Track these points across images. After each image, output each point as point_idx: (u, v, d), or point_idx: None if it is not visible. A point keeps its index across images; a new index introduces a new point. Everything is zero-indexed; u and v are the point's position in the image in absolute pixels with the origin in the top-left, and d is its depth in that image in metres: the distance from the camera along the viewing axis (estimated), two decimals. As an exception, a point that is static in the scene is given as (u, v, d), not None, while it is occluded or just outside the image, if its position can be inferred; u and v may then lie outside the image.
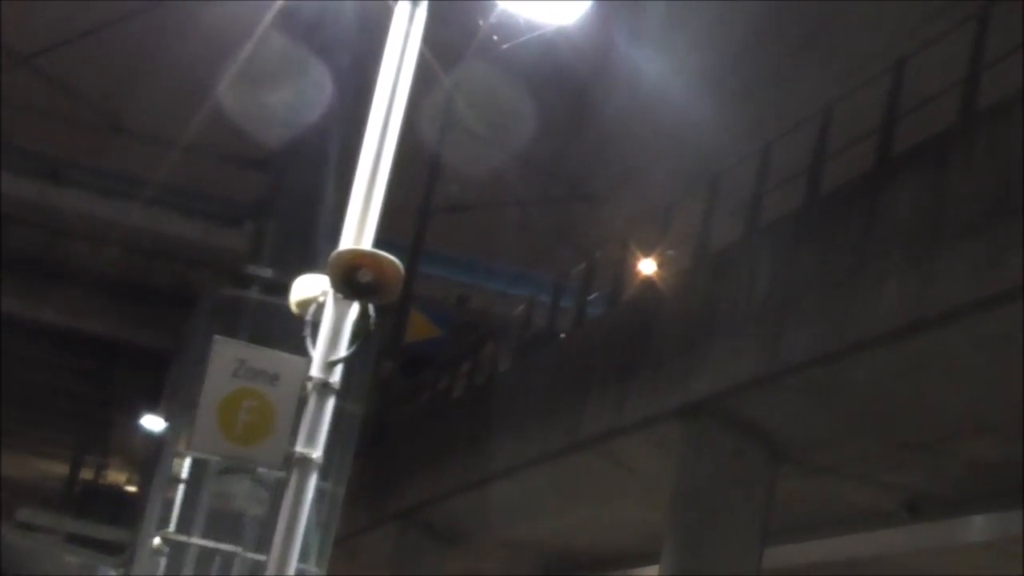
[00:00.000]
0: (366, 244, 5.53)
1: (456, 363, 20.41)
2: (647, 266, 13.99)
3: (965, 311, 7.96)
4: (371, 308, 5.44)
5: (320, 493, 9.30)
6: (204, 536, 12.22)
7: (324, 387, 5.36)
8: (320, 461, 5.36)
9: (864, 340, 9.10)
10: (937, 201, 8.70)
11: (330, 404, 5.39)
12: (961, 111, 8.85)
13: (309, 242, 12.92)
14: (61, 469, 36.95)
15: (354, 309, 5.42)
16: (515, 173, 21.03)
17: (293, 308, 5.63)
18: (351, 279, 5.30)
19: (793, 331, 10.03)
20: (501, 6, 7.13)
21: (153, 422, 22.39)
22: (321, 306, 5.46)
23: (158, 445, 17.82)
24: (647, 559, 14.43)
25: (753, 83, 17.52)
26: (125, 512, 24.79)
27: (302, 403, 5.34)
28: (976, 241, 7.98)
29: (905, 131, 9.70)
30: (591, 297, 15.84)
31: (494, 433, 15.61)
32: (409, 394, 22.74)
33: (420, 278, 24.13)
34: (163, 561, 12.88)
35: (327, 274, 5.40)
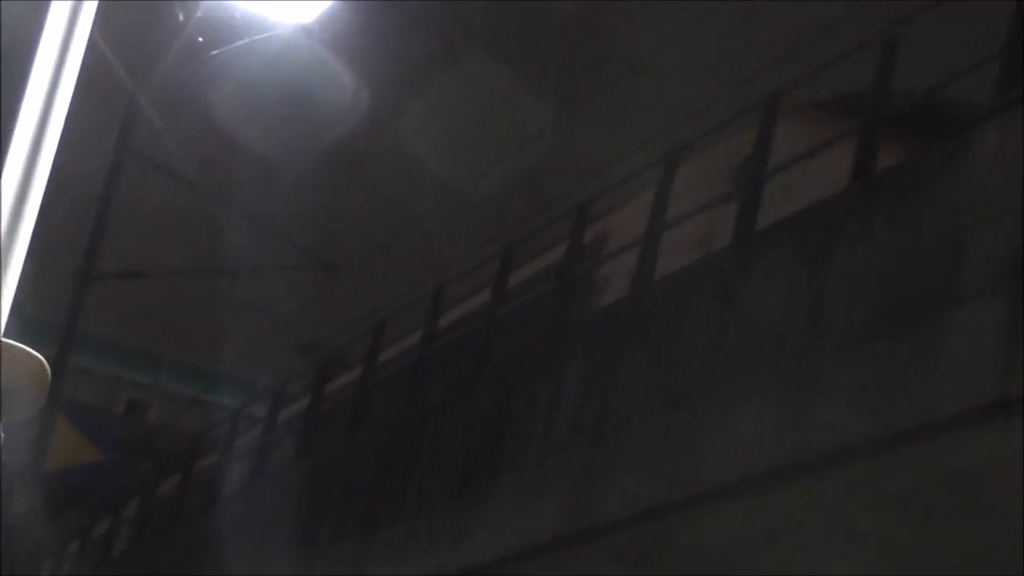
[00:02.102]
0: (-8, 327, 5.22)
1: (121, 502, 20.71)
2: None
3: (854, 454, 8.77)
4: (-5, 422, 5.15)
5: None
6: None
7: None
8: None
9: (712, 490, 9.77)
10: (819, 293, 9.55)
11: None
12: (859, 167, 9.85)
13: None
14: None
15: (-34, 424, 5.10)
16: (229, 231, 21.22)
17: None
18: (-36, 379, 4.97)
19: (615, 470, 10.77)
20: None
21: None
22: (-88, 418, 5.11)
23: None
24: None
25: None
26: None
27: None
28: (867, 353, 8.83)
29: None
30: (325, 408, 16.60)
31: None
32: (54, 545, 22.77)
33: (74, 375, 23.78)
34: None
35: (-77, 371, 5.05)
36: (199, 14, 8.32)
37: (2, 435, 5.16)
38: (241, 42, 9.43)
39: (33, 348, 5.15)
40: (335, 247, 22.42)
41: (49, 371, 5.05)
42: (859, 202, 9.61)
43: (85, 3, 5.49)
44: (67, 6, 5.45)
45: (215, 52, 10.01)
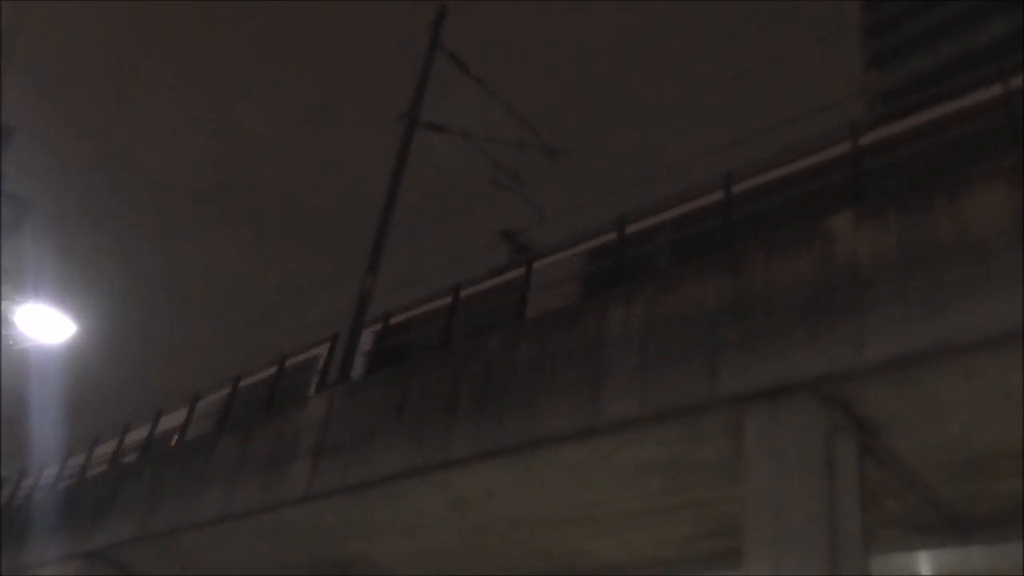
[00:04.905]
0: None
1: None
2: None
3: (212, 522, 14.91)
4: None
5: None
6: None
7: None
8: None
9: (195, 522, 15.35)
10: (242, 454, 15.79)
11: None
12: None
13: None
14: None
15: None
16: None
17: None
18: None
19: (157, 512, 16.10)
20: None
21: None
22: None
23: None
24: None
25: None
26: None
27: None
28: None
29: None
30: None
31: None
32: None
33: None
34: None
35: None
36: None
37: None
38: (13, 346, 14.43)
39: None
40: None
41: None
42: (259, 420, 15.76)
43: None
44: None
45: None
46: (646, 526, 11.99)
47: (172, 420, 19.73)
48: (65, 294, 13.59)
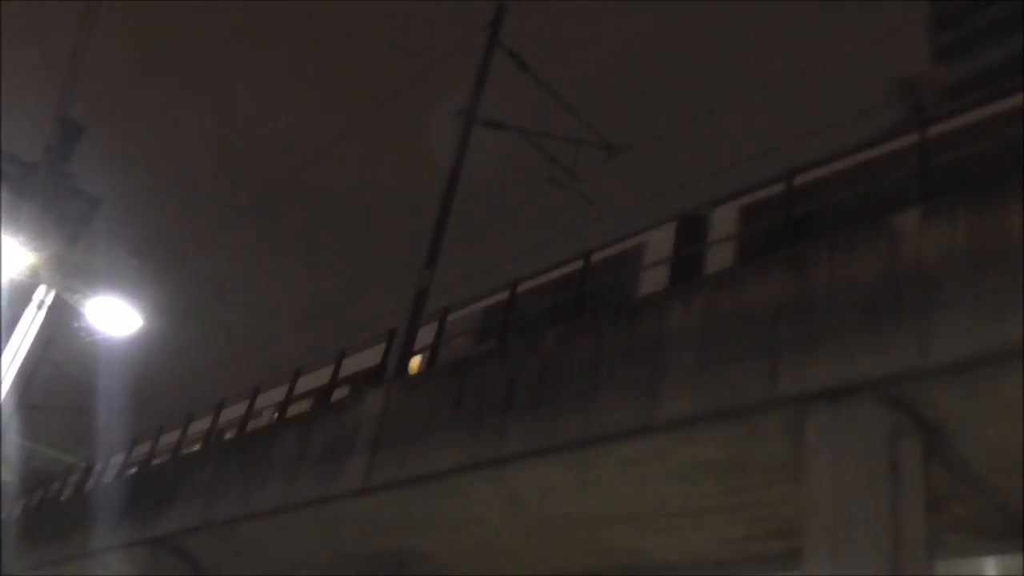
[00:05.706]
0: None
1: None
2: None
3: (271, 512, 15.12)
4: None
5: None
6: None
7: None
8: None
9: (255, 512, 15.42)
10: (301, 446, 15.79)
11: None
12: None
13: None
14: None
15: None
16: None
17: None
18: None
19: (219, 502, 16.28)
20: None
21: None
22: None
23: None
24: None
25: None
26: None
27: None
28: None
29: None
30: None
31: None
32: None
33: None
34: None
35: None
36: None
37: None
38: (86, 339, 15.18)
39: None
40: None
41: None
42: (314, 416, 15.74)
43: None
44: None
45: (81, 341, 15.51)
46: (703, 526, 11.92)
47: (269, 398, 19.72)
48: (132, 289, 14.14)
